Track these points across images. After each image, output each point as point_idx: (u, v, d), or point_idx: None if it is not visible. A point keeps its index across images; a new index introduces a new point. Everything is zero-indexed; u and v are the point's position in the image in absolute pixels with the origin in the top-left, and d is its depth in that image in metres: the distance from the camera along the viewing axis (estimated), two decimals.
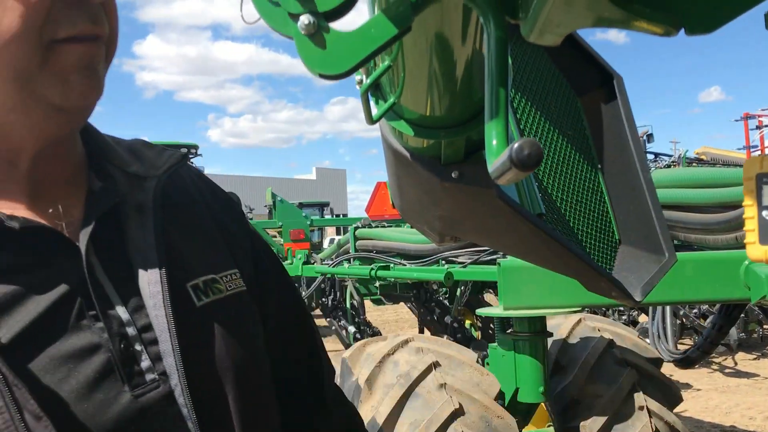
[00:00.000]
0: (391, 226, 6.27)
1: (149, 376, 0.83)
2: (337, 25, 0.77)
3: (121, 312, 0.84)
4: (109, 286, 0.85)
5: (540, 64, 1.74)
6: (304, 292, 6.70)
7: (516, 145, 0.64)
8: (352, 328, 6.61)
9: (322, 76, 0.77)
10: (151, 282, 0.87)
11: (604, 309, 6.83)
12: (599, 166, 1.74)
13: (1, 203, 0.83)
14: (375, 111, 1.48)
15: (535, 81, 1.73)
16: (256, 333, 1.01)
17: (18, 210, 0.83)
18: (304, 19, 0.74)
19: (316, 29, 0.74)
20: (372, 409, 2.91)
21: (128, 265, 0.88)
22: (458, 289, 6.18)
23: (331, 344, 11.12)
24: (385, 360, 3.07)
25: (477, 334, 6.65)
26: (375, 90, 1.54)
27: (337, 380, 3.42)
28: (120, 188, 0.92)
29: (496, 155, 0.72)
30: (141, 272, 0.87)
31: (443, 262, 4.88)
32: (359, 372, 3.12)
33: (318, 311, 8.32)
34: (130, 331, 0.84)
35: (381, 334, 6.23)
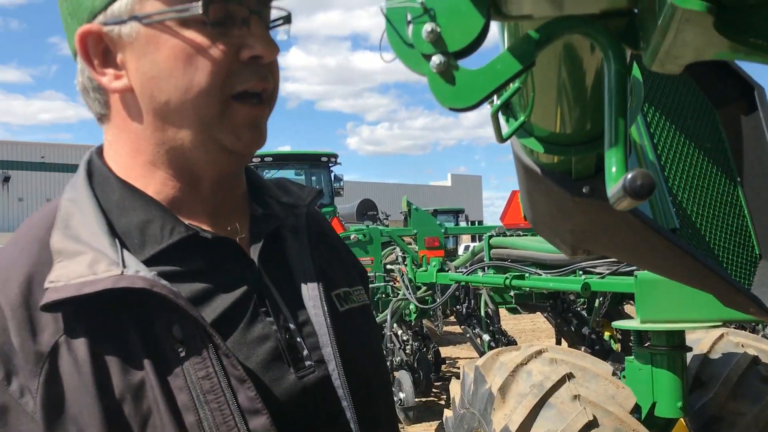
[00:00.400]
0: (526, 235, 6.23)
1: (307, 362, 1.00)
2: (466, 63, 0.84)
3: (285, 310, 1.02)
4: (274, 290, 1.03)
5: (675, 78, 1.73)
6: (438, 299, 6.77)
7: (629, 176, 0.69)
8: (486, 337, 6.59)
9: (452, 109, 0.84)
10: (309, 288, 1.05)
11: (753, 324, 6.48)
12: (738, 179, 1.70)
13: (190, 220, 1.00)
14: (505, 129, 1.52)
15: (671, 95, 1.72)
16: (378, 339, 1.22)
17: (203, 226, 1.01)
18: (436, 59, 0.82)
19: (447, 67, 0.82)
20: (505, 417, 2.94)
21: (289, 274, 1.07)
22: (597, 300, 6.06)
23: (465, 352, 11.13)
24: (518, 369, 3.09)
25: (616, 347, 6.48)
26: (505, 109, 1.60)
27: (470, 387, 3.47)
28: (278, 214, 1.12)
29: (615, 182, 0.77)
30: (300, 280, 1.06)
31: (580, 272, 4.81)
32: (492, 380, 3.16)
33: (452, 318, 8.36)
34: (292, 325, 1.02)
35: (516, 344, 6.20)
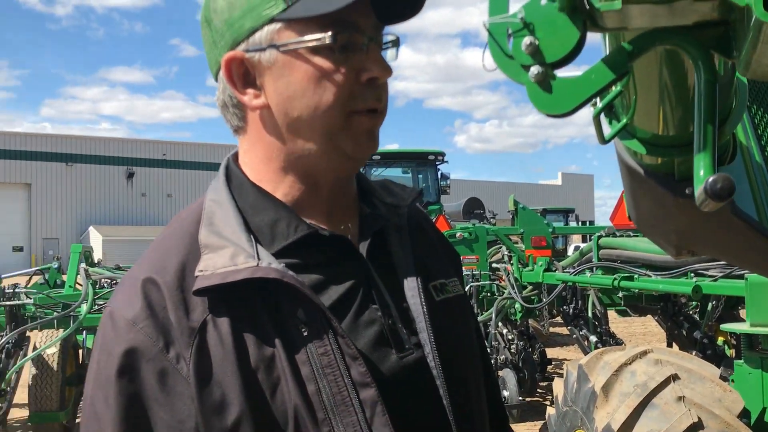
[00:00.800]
0: (636, 236, 6.12)
1: (407, 345, 1.13)
2: (562, 73, 0.91)
3: (389, 299, 1.15)
4: (380, 282, 1.16)
5: None
6: (544, 299, 6.73)
7: (711, 179, 0.75)
8: (593, 338, 6.50)
9: (549, 115, 0.92)
10: (409, 280, 1.19)
11: None
12: None
13: (310, 219, 1.15)
14: (607, 131, 1.56)
15: None
16: (473, 327, 1.33)
17: (321, 225, 1.15)
18: (534, 69, 0.89)
19: (544, 77, 0.89)
20: (607, 415, 2.94)
21: (392, 267, 1.20)
22: (710, 304, 5.88)
23: (572, 353, 10.97)
24: (622, 369, 3.08)
25: (730, 352, 6.26)
26: (608, 111, 1.64)
27: (573, 385, 3.48)
28: (383, 214, 1.24)
29: (701, 184, 0.82)
30: (401, 272, 1.20)
31: (692, 274, 4.71)
32: (596, 379, 3.16)
33: (559, 319, 8.27)
34: (394, 312, 1.14)
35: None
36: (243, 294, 1.04)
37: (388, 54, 1.15)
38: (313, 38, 1.05)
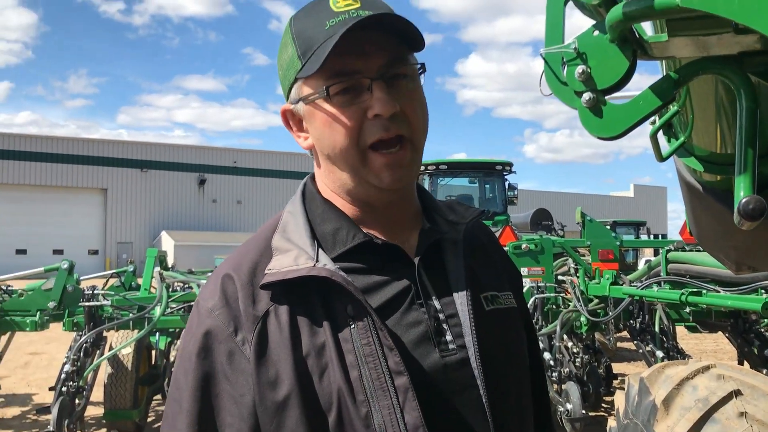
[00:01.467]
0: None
1: (451, 346, 1.25)
2: (612, 99, 0.98)
3: (437, 304, 1.28)
4: (430, 288, 1.30)
5: None
6: (610, 313, 6.67)
7: (744, 200, 0.81)
8: (660, 353, 6.40)
9: (600, 138, 0.99)
10: (459, 288, 1.31)
11: None
12: None
13: (369, 230, 1.32)
14: (665, 149, 1.60)
15: None
16: (522, 338, 1.43)
17: (378, 235, 1.32)
18: (586, 95, 0.97)
19: (596, 103, 0.97)
20: (667, 429, 2.93)
21: (444, 276, 1.33)
22: None
23: (639, 368, 10.78)
24: (683, 383, 3.06)
25: None
26: (667, 129, 1.69)
27: (634, 398, 3.48)
28: (442, 229, 1.38)
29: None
30: (453, 282, 1.32)
31: (762, 291, 4.63)
32: (656, 392, 3.15)
33: (625, 333, 8.15)
34: (441, 316, 1.27)
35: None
36: (302, 290, 1.22)
37: (401, 84, 1.25)
38: (317, 91, 1.25)
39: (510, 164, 14.69)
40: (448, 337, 1.26)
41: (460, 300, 1.29)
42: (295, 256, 1.24)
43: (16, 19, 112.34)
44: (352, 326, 1.19)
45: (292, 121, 1.36)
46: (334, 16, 1.22)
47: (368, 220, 1.33)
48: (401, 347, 1.20)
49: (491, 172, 14.74)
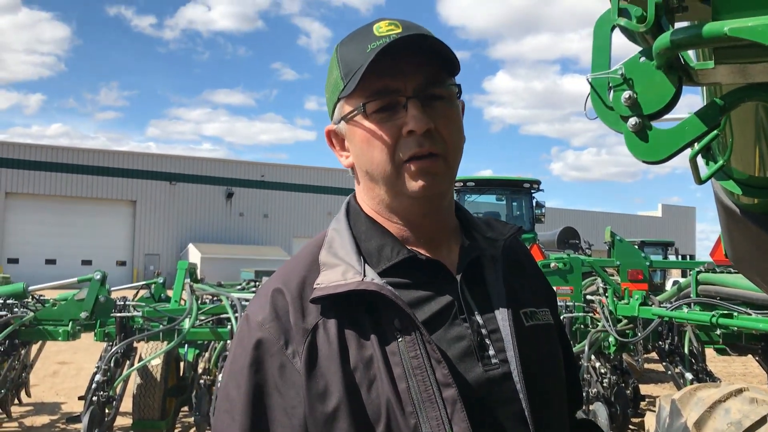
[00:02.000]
0: (738, 273, 5.97)
1: (494, 360, 1.28)
2: (658, 124, 1.00)
3: (479, 319, 1.32)
4: (472, 303, 1.33)
5: None
6: (639, 333, 6.62)
7: None
8: (689, 375, 6.34)
9: (645, 162, 1.02)
10: (500, 304, 1.35)
11: None
12: None
13: (412, 246, 1.37)
14: (704, 172, 1.62)
15: None
16: (559, 354, 1.46)
17: (421, 251, 1.36)
18: (633, 120, 1.00)
19: (642, 127, 0.99)
20: None
21: (485, 292, 1.37)
22: None
23: (667, 390, 10.66)
24: (715, 406, 3.04)
25: None
26: (705, 152, 1.70)
27: (665, 420, 3.46)
28: (481, 245, 1.43)
29: None
30: (494, 298, 1.36)
31: None
32: (688, 414, 3.13)
33: (654, 354, 8.08)
34: (483, 331, 1.31)
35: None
36: (350, 304, 1.25)
37: (437, 105, 1.31)
38: (356, 108, 1.31)
39: (538, 182, 14.66)
40: (491, 352, 1.29)
41: (501, 315, 1.33)
42: (342, 270, 1.28)
43: (50, 32, 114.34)
44: (400, 339, 1.22)
45: (336, 140, 1.42)
46: (375, 40, 1.29)
47: (410, 237, 1.37)
48: (447, 360, 1.23)
49: (519, 190, 14.73)
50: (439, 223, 1.40)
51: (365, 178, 1.37)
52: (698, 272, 6.03)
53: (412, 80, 1.30)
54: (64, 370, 12.75)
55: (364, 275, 1.27)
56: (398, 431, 1.19)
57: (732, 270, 6.19)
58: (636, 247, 10.02)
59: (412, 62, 1.29)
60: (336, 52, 1.37)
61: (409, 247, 1.35)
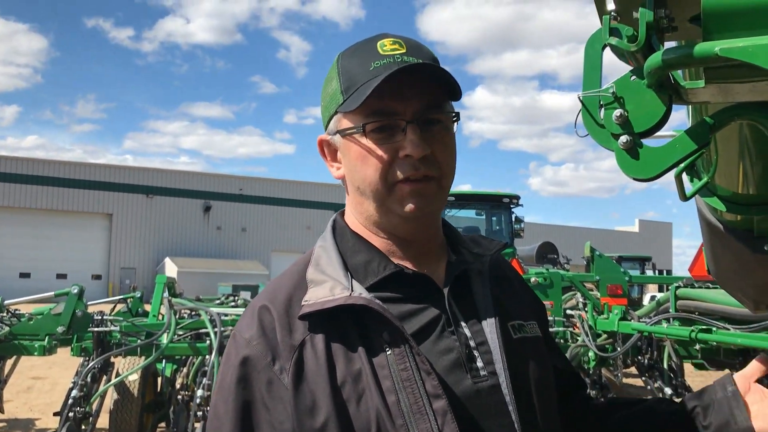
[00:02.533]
0: (716, 288, 6.03)
1: (482, 372, 1.29)
2: (648, 142, 1.02)
3: (467, 331, 1.33)
4: (460, 316, 1.35)
5: None
6: (618, 348, 6.66)
7: None
8: (668, 390, 6.38)
9: (635, 179, 1.03)
10: (488, 317, 1.36)
11: None
12: None
13: (398, 261, 1.38)
14: (689, 188, 1.64)
15: None
16: (548, 367, 1.45)
17: (408, 266, 1.38)
18: (623, 138, 1.01)
19: (632, 145, 1.01)
20: None
21: (473, 306, 1.38)
22: None
23: None
24: None
25: None
26: (689, 169, 1.72)
27: None
28: (467, 260, 1.45)
29: None
30: (481, 311, 1.37)
31: None
32: None
33: (634, 370, 8.12)
34: (472, 343, 1.32)
35: None
36: (338, 319, 1.26)
37: (435, 130, 1.33)
38: (357, 126, 1.33)
39: (517, 197, 14.76)
40: (479, 364, 1.30)
41: (489, 328, 1.34)
42: (330, 287, 1.29)
43: (27, 44, 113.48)
44: (389, 352, 1.23)
45: (327, 150, 1.44)
46: (379, 59, 1.32)
47: (397, 252, 1.39)
48: (436, 372, 1.24)
49: (498, 204, 14.81)
50: (427, 240, 1.42)
51: (355, 192, 1.38)
52: (677, 287, 6.08)
53: (412, 104, 1.31)
54: (38, 385, 12.57)
55: (352, 290, 1.28)
56: None
57: (710, 285, 6.24)
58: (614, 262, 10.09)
59: (414, 86, 1.31)
60: (337, 63, 1.38)
61: (396, 262, 1.36)
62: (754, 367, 1.51)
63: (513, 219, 14.90)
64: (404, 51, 1.33)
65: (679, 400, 1.54)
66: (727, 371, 7.22)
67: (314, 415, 1.20)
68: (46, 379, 13.18)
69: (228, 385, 1.28)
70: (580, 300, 8.02)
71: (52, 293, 7.10)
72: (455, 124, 1.38)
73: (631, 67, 1.04)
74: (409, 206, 1.31)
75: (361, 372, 1.22)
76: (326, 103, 1.41)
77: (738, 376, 1.49)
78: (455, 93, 1.34)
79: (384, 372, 1.22)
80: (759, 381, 1.53)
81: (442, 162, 1.34)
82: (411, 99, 1.31)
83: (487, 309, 1.37)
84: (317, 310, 1.25)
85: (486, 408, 1.27)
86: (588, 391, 1.70)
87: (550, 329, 7.53)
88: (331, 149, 1.43)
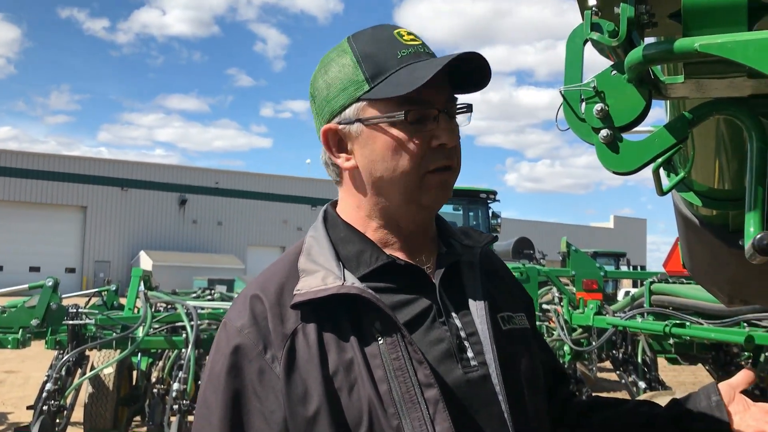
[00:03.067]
0: (689, 283, 6.10)
1: (473, 363, 1.31)
2: (628, 136, 1.03)
3: (457, 322, 1.34)
4: (450, 307, 1.35)
5: None
6: (593, 342, 6.72)
7: (759, 236, 0.86)
8: (642, 384, 6.44)
9: (615, 173, 1.04)
10: (478, 308, 1.37)
11: None
12: None
13: (391, 252, 1.38)
14: (666, 183, 1.66)
15: None
16: (536, 357, 1.46)
17: (400, 257, 1.38)
18: (604, 132, 1.02)
19: (613, 139, 1.02)
20: None
21: (463, 297, 1.39)
22: (763, 354, 5.82)
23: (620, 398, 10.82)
24: None
25: None
26: (666, 164, 1.74)
27: None
28: (458, 252, 1.45)
29: (750, 240, 0.93)
30: (471, 302, 1.38)
31: (745, 324, 4.69)
32: None
33: (608, 365, 8.20)
34: (462, 333, 1.33)
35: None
36: (330, 309, 1.26)
37: (459, 118, 1.36)
38: (390, 116, 1.29)
39: (494, 193, 14.83)
40: (470, 354, 1.31)
41: (479, 319, 1.35)
42: (322, 276, 1.29)
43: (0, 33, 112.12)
44: (381, 342, 1.24)
45: (333, 141, 1.38)
46: (405, 48, 1.31)
47: (391, 244, 1.39)
48: (428, 362, 1.25)
49: (476, 200, 14.87)
50: (422, 233, 1.43)
51: (372, 184, 1.35)
52: (651, 282, 6.14)
53: (442, 95, 1.32)
54: (11, 379, 12.44)
55: (344, 280, 1.28)
56: (381, 431, 1.20)
57: (684, 280, 6.32)
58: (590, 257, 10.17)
59: (440, 76, 1.27)
60: (351, 49, 1.34)
61: (388, 253, 1.36)
62: (740, 378, 1.54)
63: (490, 214, 14.98)
64: (419, 43, 1.34)
65: (665, 404, 1.55)
66: (713, 381, 7.31)
67: (306, 404, 1.21)
68: (19, 373, 13.04)
69: (218, 373, 1.28)
70: (556, 295, 8.09)
71: (26, 286, 7.02)
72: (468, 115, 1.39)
73: (612, 62, 1.05)
74: (435, 196, 1.33)
75: (353, 361, 1.22)
76: (336, 90, 1.35)
77: (723, 386, 1.51)
78: (482, 85, 1.34)
79: (376, 361, 1.23)
80: (746, 392, 1.55)
81: (459, 154, 1.37)
82: (440, 89, 1.31)
83: (477, 300, 1.38)
84: (310, 299, 1.25)
85: (476, 398, 1.28)
86: (571, 387, 1.72)
87: None
88: (339, 139, 1.37)
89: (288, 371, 1.22)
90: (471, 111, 1.38)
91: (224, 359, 1.28)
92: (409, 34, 1.35)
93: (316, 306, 1.26)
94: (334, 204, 1.49)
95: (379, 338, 1.24)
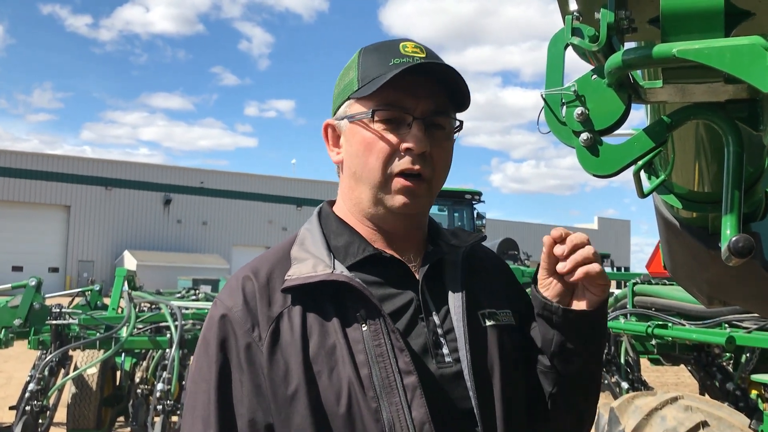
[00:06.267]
0: (672, 284, 6.14)
1: (447, 359, 1.37)
2: (608, 139, 1.05)
3: (436, 318, 1.41)
4: (431, 303, 1.42)
5: None
6: None
7: (734, 239, 0.88)
8: (625, 384, 6.49)
9: (595, 175, 1.06)
10: (456, 305, 1.43)
11: None
12: None
13: (379, 247, 1.45)
14: (646, 186, 1.67)
15: None
16: (517, 355, 1.48)
17: (387, 252, 1.44)
18: (584, 135, 1.04)
19: (593, 142, 1.04)
20: None
21: (444, 294, 1.45)
22: (744, 355, 5.87)
23: (603, 399, 10.87)
24: (652, 414, 3.14)
25: (764, 406, 6.20)
26: (647, 167, 1.76)
27: (604, 427, 3.54)
28: (443, 251, 1.52)
29: (726, 242, 0.95)
30: (450, 299, 1.44)
31: (726, 325, 4.73)
32: (626, 422, 3.22)
33: None
34: (439, 330, 1.39)
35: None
36: (318, 295, 1.35)
37: (437, 134, 1.41)
38: (364, 113, 1.41)
39: (479, 193, 14.86)
40: (445, 351, 1.38)
41: (457, 317, 1.41)
42: (313, 264, 1.38)
43: None
44: (364, 328, 1.31)
45: (331, 135, 1.51)
46: (399, 57, 1.40)
47: (378, 240, 1.47)
48: (410, 350, 1.32)
49: (461, 201, 14.90)
50: (409, 233, 1.50)
51: (351, 178, 1.46)
52: (634, 284, 6.18)
53: (422, 104, 1.40)
54: None
55: (334, 268, 1.36)
56: (360, 413, 1.27)
57: (667, 282, 6.36)
58: None
59: (428, 89, 1.39)
60: (358, 56, 1.46)
61: (375, 246, 1.44)
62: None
63: (475, 215, 15.01)
64: (424, 55, 1.41)
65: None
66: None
67: (287, 383, 1.28)
68: (1, 373, 12.94)
69: (209, 345, 1.36)
70: None
71: (9, 285, 6.97)
72: (457, 133, 1.47)
73: (592, 67, 1.07)
74: (400, 201, 1.39)
75: (336, 345, 1.29)
76: (339, 90, 1.49)
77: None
78: (463, 103, 1.43)
79: (359, 347, 1.30)
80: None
81: (437, 164, 1.42)
82: (422, 99, 1.39)
83: (456, 298, 1.43)
84: (300, 284, 1.34)
85: (449, 392, 1.34)
86: None
87: None
88: (335, 134, 1.50)
89: (270, 352, 1.30)
90: (461, 128, 1.47)
91: (215, 329, 1.36)
92: (416, 46, 1.43)
93: (304, 292, 1.34)
94: (331, 203, 1.58)
95: (363, 325, 1.31)
